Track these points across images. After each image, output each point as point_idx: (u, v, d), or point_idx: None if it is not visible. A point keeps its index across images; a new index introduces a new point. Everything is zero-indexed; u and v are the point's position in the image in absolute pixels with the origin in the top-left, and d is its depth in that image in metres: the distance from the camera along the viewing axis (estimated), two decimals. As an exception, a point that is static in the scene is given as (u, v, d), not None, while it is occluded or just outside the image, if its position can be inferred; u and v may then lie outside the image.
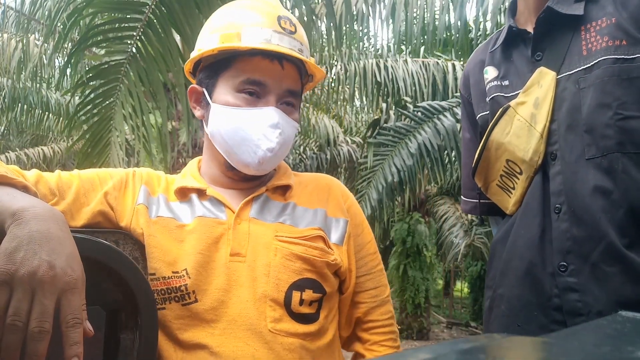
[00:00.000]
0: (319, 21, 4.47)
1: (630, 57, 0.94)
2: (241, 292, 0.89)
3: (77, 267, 0.66)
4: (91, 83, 3.39)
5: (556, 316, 1.00)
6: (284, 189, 1.00)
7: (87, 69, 3.82)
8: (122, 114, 3.26)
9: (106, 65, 3.28)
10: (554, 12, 1.03)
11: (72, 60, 3.34)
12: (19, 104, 7.59)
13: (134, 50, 3.12)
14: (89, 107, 3.44)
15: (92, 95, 3.41)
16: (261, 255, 0.92)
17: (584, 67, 0.98)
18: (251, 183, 1.00)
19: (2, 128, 9.57)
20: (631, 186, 0.93)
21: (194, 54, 0.98)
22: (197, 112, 1.01)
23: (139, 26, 3.04)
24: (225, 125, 0.94)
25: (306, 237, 0.94)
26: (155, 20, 3.00)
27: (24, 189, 0.75)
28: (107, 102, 3.35)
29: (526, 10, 1.12)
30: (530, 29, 1.09)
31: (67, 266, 0.64)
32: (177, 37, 3.08)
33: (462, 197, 1.33)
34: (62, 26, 3.72)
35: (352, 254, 1.01)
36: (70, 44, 5.08)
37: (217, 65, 0.96)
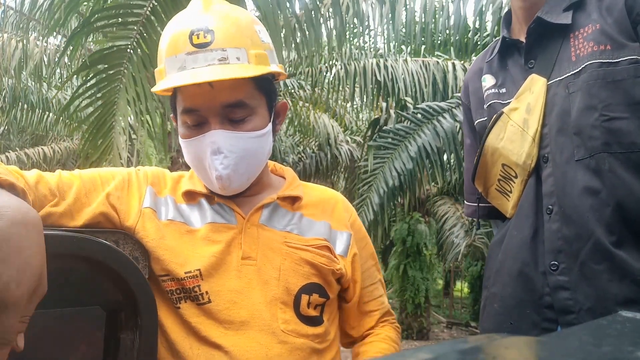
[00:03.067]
0: (321, 19, 4.46)
1: (615, 60, 0.97)
2: (253, 294, 0.91)
3: (25, 282, 0.59)
4: (95, 67, 3.40)
5: (548, 314, 1.03)
6: (294, 200, 1.01)
7: (89, 55, 3.82)
8: (126, 99, 3.28)
9: (110, 50, 3.30)
10: (543, 22, 1.07)
11: (74, 43, 3.33)
12: (20, 104, 7.60)
13: (137, 36, 3.13)
14: (93, 90, 3.47)
15: (96, 79, 3.44)
16: (271, 260, 0.94)
17: (573, 72, 1.02)
18: (249, 192, 1.00)
19: (3, 128, 9.57)
20: (618, 185, 0.96)
21: (152, 90, 0.98)
22: None
23: (143, 12, 3.05)
24: (186, 156, 0.96)
25: (313, 246, 0.97)
26: (159, 7, 3.01)
27: (10, 187, 0.72)
28: (111, 86, 3.37)
29: (517, 21, 1.16)
30: (522, 38, 1.13)
31: (10, 281, 0.58)
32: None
33: (465, 201, 1.37)
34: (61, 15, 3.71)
35: (358, 267, 1.04)
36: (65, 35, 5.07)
37: (172, 97, 0.97)
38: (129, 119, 3.62)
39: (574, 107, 1.00)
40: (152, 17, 3.05)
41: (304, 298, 0.93)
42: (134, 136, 4.80)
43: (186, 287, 0.91)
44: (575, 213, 0.99)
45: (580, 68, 1.01)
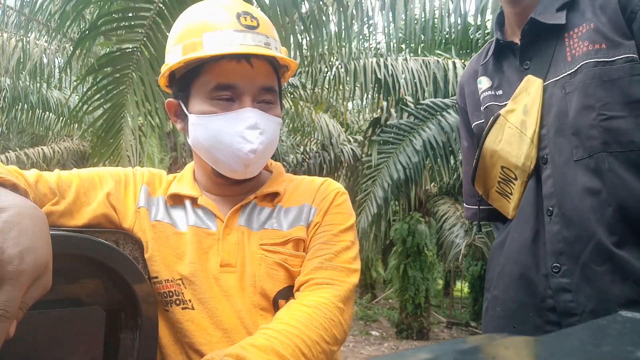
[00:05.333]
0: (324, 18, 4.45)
1: (610, 59, 0.96)
2: (234, 301, 0.90)
3: (30, 260, 0.60)
4: (103, 70, 3.43)
5: (550, 317, 1.02)
6: (273, 196, 0.99)
7: (97, 58, 3.84)
8: (135, 101, 3.30)
9: (118, 53, 3.33)
10: (537, 23, 1.07)
11: (82, 46, 3.35)
12: (19, 104, 7.59)
13: (144, 38, 3.14)
14: (102, 92, 3.50)
15: (104, 82, 3.46)
16: (248, 265, 0.92)
17: (569, 72, 1.02)
18: (243, 187, 0.99)
19: (2, 128, 9.57)
20: (618, 184, 0.95)
21: (163, 69, 0.97)
22: (178, 125, 1.00)
23: (149, 15, 3.07)
24: (205, 134, 0.92)
25: (289, 240, 0.94)
26: (165, 9, 3.02)
27: (13, 187, 0.73)
28: (119, 89, 3.40)
29: (510, 24, 1.16)
30: (517, 40, 1.13)
31: (15, 255, 0.59)
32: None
33: (464, 204, 1.37)
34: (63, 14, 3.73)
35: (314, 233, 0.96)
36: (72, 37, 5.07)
37: (187, 75, 0.94)
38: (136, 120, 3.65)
39: (571, 107, 1.00)
40: (159, 19, 3.06)
41: (282, 303, 0.91)
42: (143, 138, 4.81)
43: (172, 290, 0.91)
44: (575, 214, 0.98)
45: (576, 68, 1.00)
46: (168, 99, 0.99)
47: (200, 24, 0.93)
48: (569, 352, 0.36)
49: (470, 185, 1.24)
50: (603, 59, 0.97)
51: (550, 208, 1.03)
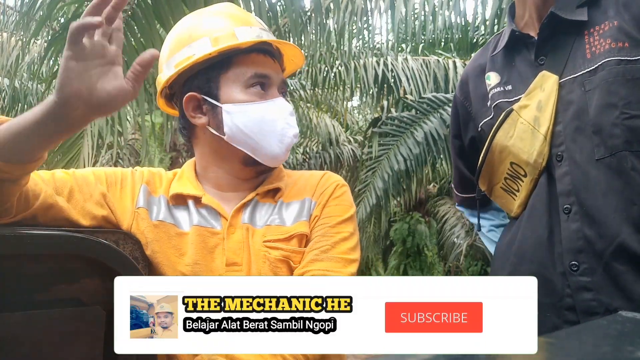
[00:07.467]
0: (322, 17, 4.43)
1: (634, 58, 0.95)
2: None
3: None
4: None
5: (569, 316, 1.00)
6: (275, 192, 0.99)
7: None
8: None
9: None
10: (558, 18, 1.04)
11: (53, 49, 3.30)
12: (19, 104, 7.57)
13: None
14: None
15: None
16: (254, 264, 0.92)
17: (589, 69, 1.00)
18: (253, 183, 1.00)
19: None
20: None
21: (186, 63, 0.94)
22: (200, 120, 0.97)
23: (122, 17, 3.04)
24: (247, 120, 0.94)
25: (293, 236, 0.94)
26: (139, 12, 2.97)
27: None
28: None
29: (526, 15, 1.13)
30: (532, 33, 1.10)
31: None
32: (161, 30, 3.08)
33: (454, 192, 1.39)
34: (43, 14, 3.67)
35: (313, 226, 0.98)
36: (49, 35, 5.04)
37: (214, 68, 0.95)
38: (128, 119, 3.59)
39: (592, 105, 0.98)
40: (132, 22, 3.01)
41: None
42: (137, 136, 4.77)
43: None
44: (598, 213, 0.97)
45: (596, 65, 0.99)
46: (188, 93, 0.97)
47: (227, 20, 0.98)
48: (569, 352, 0.36)
49: (458, 184, 1.27)
50: (626, 58, 0.96)
51: (568, 205, 1.00)
